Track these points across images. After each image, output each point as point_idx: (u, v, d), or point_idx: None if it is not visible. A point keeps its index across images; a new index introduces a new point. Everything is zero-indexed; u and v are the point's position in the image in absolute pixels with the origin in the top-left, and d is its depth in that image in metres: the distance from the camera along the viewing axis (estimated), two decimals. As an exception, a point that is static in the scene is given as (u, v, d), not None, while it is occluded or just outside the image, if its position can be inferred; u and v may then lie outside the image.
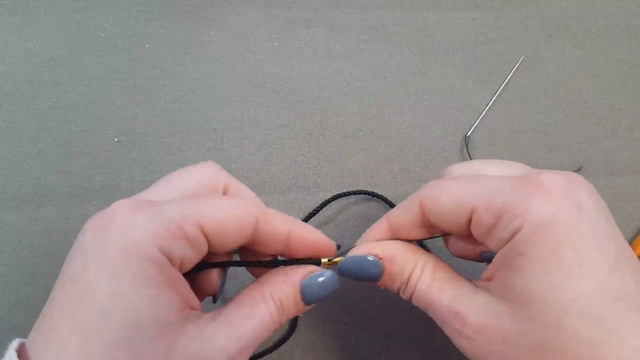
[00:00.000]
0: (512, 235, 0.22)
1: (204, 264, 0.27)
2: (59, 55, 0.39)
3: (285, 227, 0.25)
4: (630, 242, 0.38)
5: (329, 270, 0.26)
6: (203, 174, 0.26)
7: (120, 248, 0.20)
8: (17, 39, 0.39)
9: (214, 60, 0.40)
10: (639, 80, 0.42)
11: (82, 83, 0.39)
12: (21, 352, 0.21)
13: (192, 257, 0.23)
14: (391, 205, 0.36)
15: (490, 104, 0.40)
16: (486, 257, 0.26)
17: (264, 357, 0.35)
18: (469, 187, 0.24)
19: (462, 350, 0.23)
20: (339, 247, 0.28)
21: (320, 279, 0.25)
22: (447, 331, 0.24)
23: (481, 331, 0.22)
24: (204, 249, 0.23)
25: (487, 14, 0.43)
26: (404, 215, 0.26)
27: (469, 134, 0.39)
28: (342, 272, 0.27)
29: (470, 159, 0.38)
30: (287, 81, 0.40)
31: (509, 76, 0.40)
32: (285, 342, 0.35)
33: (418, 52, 0.41)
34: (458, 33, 0.42)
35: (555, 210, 0.21)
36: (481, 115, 0.40)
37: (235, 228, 0.23)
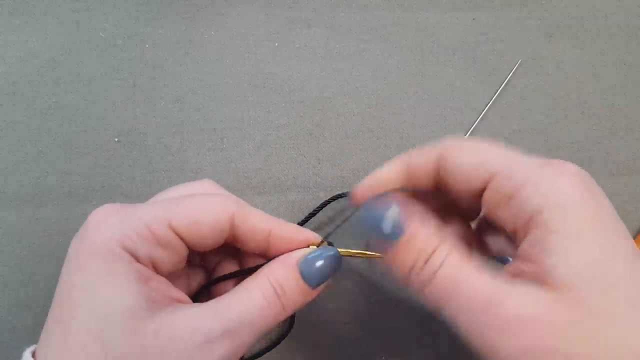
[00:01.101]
0: (533, 214, 0.20)
1: (210, 282, 0.27)
2: (59, 55, 0.39)
3: (266, 225, 0.25)
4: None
5: (330, 248, 0.25)
6: (197, 189, 0.27)
7: (90, 248, 0.22)
8: (17, 39, 0.39)
9: (214, 60, 0.40)
10: (639, 80, 0.42)
11: (82, 83, 0.39)
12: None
13: (167, 257, 0.24)
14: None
15: (489, 104, 0.40)
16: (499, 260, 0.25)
17: (263, 356, 0.35)
18: (494, 151, 0.23)
19: (494, 347, 0.19)
20: (325, 238, 0.27)
21: (319, 258, 0.25)
22: (474, 324, 0.20)
23: (525, 323, 0.19)
24: (179, 248, 0.24)
25: (487, 14, 0.43)
26: (420, 159, 0.25)
27: (466, 135, 0.39)
28: (361, 221, 0.23)
29: None
30: (287, 81, 0.40)
31: (507, 78, 0.40)
32: (283, 338, 0.35)
33: (418, 52, 0.41)
34: (458, 33, 0.42)
35: (581, 192, 0.20)
36: (479, 118, 0.40)
37: (210, 225, 0.24)
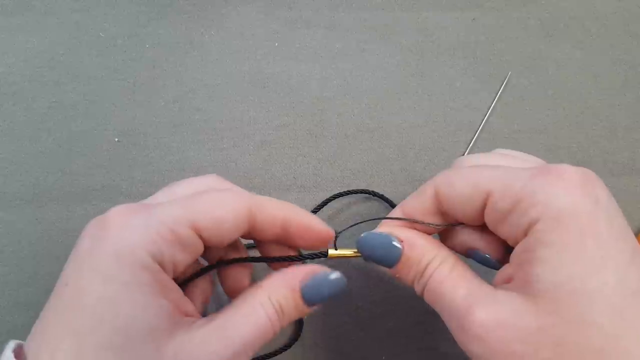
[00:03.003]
0: (530, 224, 0.21)
1: (196, 273, 0.27)
2: (59, 55, 0.39)
3: (280, 213, 0.25)
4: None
5: (334, 272, 0.25)
6: (204, 184, 0.26)
7: (113, 254, 0.21)
8: (17, 39, 0.39)
9: (214, 60, 0.40)
10: (639, 80, 0.42)
11: (82, 83, 0.39)
12: (19, 354, 0.21)
13: (185, 259, 0.23)
14: (392, 205, 0.36)
15: (490, 108, 0.40)
16: (473, 255, 0.26)
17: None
18: (485, 172, 0.23)
19: (469, 351, 0.22)
20: (337, 235, 0.27)
21: (323, 284, 0.25)
22: (454, 329, 0.23)
23: (494, 329, 0.21)
24: (198, 248, 0.23)
25: (487, 14, 0.43)
26: (418, 202, 0.26)
27: (466, 152, 0.39)
28: (359, 249, 0.26)
29: None
30: (287, 81, 0.40)
31: (499, 92, 0.40)
32: (288, 348, 0.35)
33: (418, 52, 0.41)
34: (458, 33, 0.42)
35: (577, 201, 0.20)
36: (479, 128, 0.40)
37: (231, 221, 0.23)
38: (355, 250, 0.27)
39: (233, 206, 0.23)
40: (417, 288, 0.25)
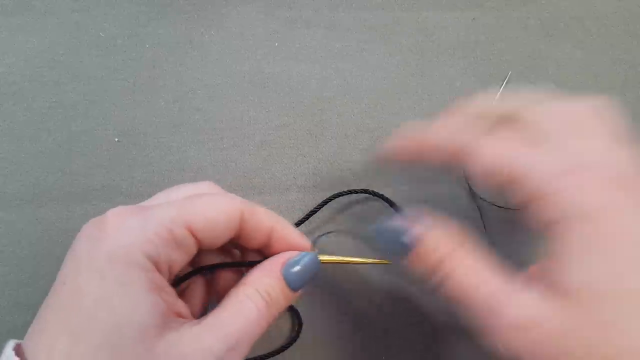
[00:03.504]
0: (556, 219, 0.20)
1: (189, 273, 0.27)
2: (59, 55, 0.39)
3: (269, 222, 0.26)
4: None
5: (307, 253, 0.26)
6: (199, 189, 0.27)
7: (109, 254, 0.21)
8: (17, 39, 0.39)
9: (214, 60, 0.40)
10: (639, 80, 0.42)
11: (82, 83, 0.39)
12: (18, 352, 0.21)
13: (180, 259, 0.24)
14: (391, 204, 0.36)
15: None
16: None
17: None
18: (520, 152, 0.23)
19: (497, 350, 0.21)
20: (314, 243, 0.28)
21: (298, 263, 0.26)
22: (480, 329, 0.22)
23: (525, 329, 0.20)
24: (192, 249, 0.24)
25: (487, 14, 0.43)
26: (443, 142, 0.26)
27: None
28: (376, 235, 0.26)
29: (471, 190, 0.37)
30: (287, 81, 0.40)
31: (500, 91, 0.40)
32: (292, 343, 0.35)
33: (418, 52, 0.41)
34: (458, 33, 0.42)
35: (611, 199, 0.20)
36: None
37: (224, 223, 0.24)
38: (342, 257, 0.29)
39: (226, 208, 0.24)
40: (435, 280, 0.24)
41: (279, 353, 0.35)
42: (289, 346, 0.35)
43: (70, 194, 0.37)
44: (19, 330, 0.34)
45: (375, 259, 0.31)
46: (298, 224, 0.35)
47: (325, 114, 0.39)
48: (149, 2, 0.41)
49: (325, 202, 0.36)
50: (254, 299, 0.24)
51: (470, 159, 0.24)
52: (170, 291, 0.24)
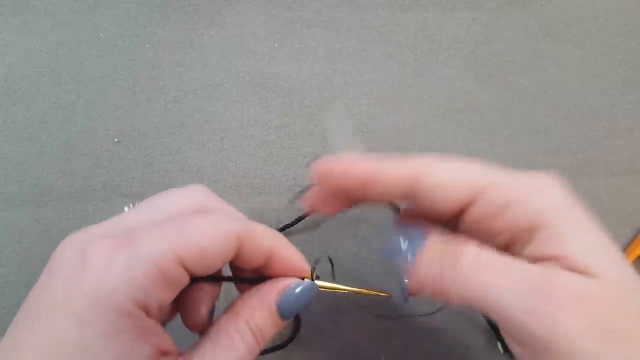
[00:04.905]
0: (536, 216, 0.21)
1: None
2: (59, 55, 0.39)
3: (267, 244, 0.24)
4: (630, 242, 0.38)
5: (306, 283, 0.25)
6: (190, 199, 0.24)
7: (92, 298, 0.20)
8: (17, 39, 0.39)
9: (214, 60, 0.40)
10: (639, 80, 0.42)
11: (82, 83, 0.39)
12: None
13: (171, 295, 0.22)
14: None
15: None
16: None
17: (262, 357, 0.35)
18: (478, 168, 0.23)
19: (551, 327, 0.19)
20: (313, 269, 0.26)
21: (296, 294, 0.24)
22: (528, 307, 0.20)
23: (586, 301, 0.19)
24: (184, 282, 0.22)
25: (487, 14, 0.43)
26: (392, 171, 0.24)
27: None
28: (385, 257, 0.25)
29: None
30: (287, 81, 0.40)
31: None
32: (289, 343, 0.35)
33: (418, 52, 0.41)
34: (458, 33, 0.42)
35: (570, 197, 0.22)
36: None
37: (220, 252, 0.22)
38: (342, 285, 0.27)
39: (222, 235, 0.22)
40: (448, 276, 0.22)
41: (277, 350, 0.35)
42: (287, 344, 0.35)
43: (70, 194, 0.37)
44: (19, 330, 0.34)
45: (376, 290, 0.29)
46: (297, 222, 0.35)
47: (325, 114, 0.39)
48: (149, 2, 0.41)
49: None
50: (244, 336, 0.23)
51: (429, 177, 0.23)
52: (158, 331, 0.22)
